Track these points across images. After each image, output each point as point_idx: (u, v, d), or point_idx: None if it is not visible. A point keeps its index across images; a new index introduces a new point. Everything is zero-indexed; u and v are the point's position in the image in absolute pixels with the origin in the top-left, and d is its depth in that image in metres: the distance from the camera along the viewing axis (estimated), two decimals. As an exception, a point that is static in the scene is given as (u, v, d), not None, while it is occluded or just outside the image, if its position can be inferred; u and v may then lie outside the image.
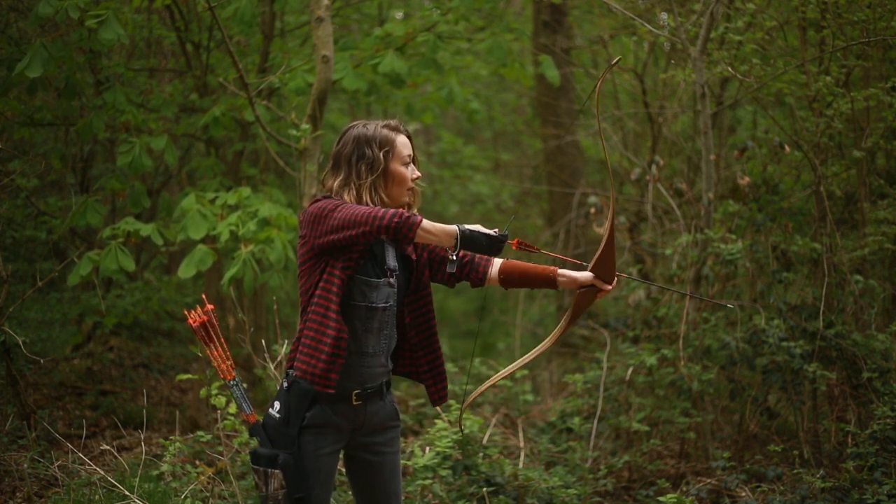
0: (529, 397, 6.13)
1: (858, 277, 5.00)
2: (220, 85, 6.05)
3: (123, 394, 6.60)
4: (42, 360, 5.58)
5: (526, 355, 3.13)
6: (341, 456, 2.99)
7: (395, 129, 2.91)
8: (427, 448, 4.53)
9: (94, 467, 4.46)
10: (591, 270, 2.97)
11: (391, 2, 8.42)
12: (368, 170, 2.84)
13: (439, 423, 4.57)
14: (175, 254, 7.70)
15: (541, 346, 3.12)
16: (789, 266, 5.31)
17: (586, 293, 3.00)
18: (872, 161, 5.70)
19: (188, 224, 5.04)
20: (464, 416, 4.59)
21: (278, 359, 4.51)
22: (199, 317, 2.94)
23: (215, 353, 2.96)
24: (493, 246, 2.77)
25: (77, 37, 5.06)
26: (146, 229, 5.09)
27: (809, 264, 5.30)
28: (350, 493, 4.21)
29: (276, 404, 2.85)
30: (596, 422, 5.29)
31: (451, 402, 4.84)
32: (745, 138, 6.29)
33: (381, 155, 2.85)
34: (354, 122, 2.95)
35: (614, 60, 2.99)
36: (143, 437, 4.92)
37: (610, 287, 2.98)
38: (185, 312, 2.98)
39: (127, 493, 4.14)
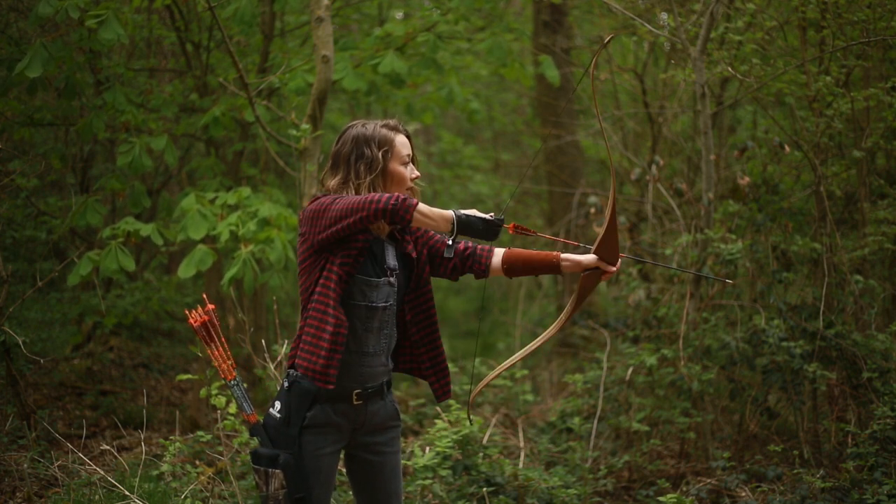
0: (529, 397, 6.13)
1: (858, 277, 5.00)
2: (220, 85, 6.05)
3: (123, 394, 6.60)
4: (42, 360, 5.58)
5: (533, 342, 3.12)
6: (342, 456, 2.99)
7: (394, 129, 2.91)
8: (427, 448, 4.52)
9: (94, 467, 4.46)
10: (594, 252, 2.96)
11: (391, 2, 8.42)
12: (367, 169, 2.84)
13: (439, 423, 4.57)
14: (175, 254, 7.70)
15: (548, 331, 3.11)
16: (789, 266, 5.31)
17: (591, 276, 2.98)
18: (872, 161, 5.70)
19: (188, 224, 5.04)
20: (464, 415, 4.59)
21: (278, 359, 4.51)
22: (200, 316, 2.94)
23: (216, 352, 2.96)
24: (489, 230, 2.77)
25: (77, 37, 5.07)
26: (146, 229, 5.09)
27: (809, 264, 5.30)
28: (350, 492, 4.21)
29: (277, 404, 2.85)
30: (596, 422, 5.29)
31: (452, 402, 4.84)
32: (745, 138, 6.29)
33: (380, 155, 2.85)
34: (353, 122, 2.95)
35: (607, 38, 2.97)
36: (143, 437, 4.92)
37: (614, 268, 2.97)
38: (186, 312, 2.98)
39: (127, 493, 4.14)
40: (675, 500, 4.19)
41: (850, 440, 4.68)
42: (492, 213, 2.81)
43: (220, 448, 4.72)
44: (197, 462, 4.83)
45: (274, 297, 4.99)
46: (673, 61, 6.40)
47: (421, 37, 5.88)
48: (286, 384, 2.85)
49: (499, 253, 3.03)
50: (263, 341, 5.23)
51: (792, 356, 4.77)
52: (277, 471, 2.77)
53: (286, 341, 4.58)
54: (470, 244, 3.03)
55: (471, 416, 3.38)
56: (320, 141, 4.93)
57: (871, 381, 4.73)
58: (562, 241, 3.09)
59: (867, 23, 4.89)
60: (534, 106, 9.62)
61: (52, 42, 4.93)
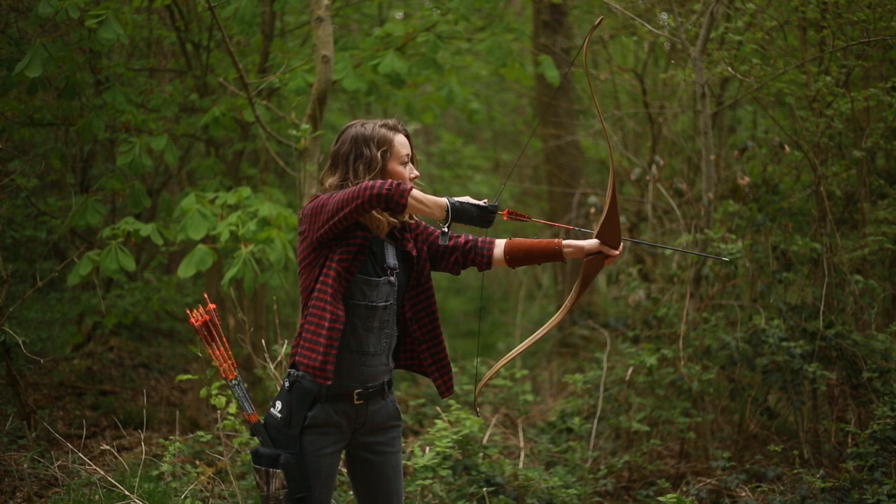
0: (529, 397, 6.13)
1: (858, 277, 5.00)
2: (220, 85, 6.05)
3: (123, 394, 6.60)
4: (42, 360, 5.59)
5: (540, 329, 3.11)
6: (343, 455, 2.99)
7: (394, 129, 2.91)
8: (427, 448, 4.52)
9: (94, 467, 4.46)
10: (596, 237, 2.95)
11: (391, 2, 8.42)
12: (366, 169, 2.84)
13: (439, 423, 4.57)
14: (175, 254, 7.70)
15: (554, 318, 3.10)
16: (789, 266, 5.31)
17: (594, 260, 2.97)
18: (872, 161, 5.70)
19: (188, 224, 5.04)
20: (464, 415, 4.59)
21: (278, 359, 4.51)
22: (201, 316, 2.95)
23: (217, 352, 2.96)
24: (483, 217, 2.77)
25: (77, 37, 5.06)
26: (146, 229, 5.09)
27: (809, 264, 5.30)
28: (350, 492, 4.21)
29: (278, 404, 2.85)
30: (596, 422, 5.29)
31: (452, 402, 4.84)
32: (745, 138, 6.29)
33: (379, 154, 2.85)
34: (353, 122, 2.95)
35: (598, 20, 2.95)
36: (143, 437, 4.92)
37: (617, 252, 2.96)
38: (188, 311, 2.98)
39: (127, 493, 4.14)
40: (675, 500, 4.18)
41: (850, 440, 4.68)
42: (485, 200, 2.81)
43: (220, 448, 4.72)
44: (197, 462, 4.83)
45: (274, 297, 5.00)
46: (673, 61, 6.40)
47: (421, 37, 5.88)
48: (287, 384, 2.85)
49: (500, 244, 3.02)
50: (263, 341, 5.24)
51: (792, 356, 4.77)
52: (278, 470, 2.77)
53: (286, 341, 4.58)
54: (470, 237, 3.03)
55: (476, 409, 3.37)
56: (320, 141, 4.93)
57: (871, 381, 4.73)
58: (557, 226, 3.08)
59: (867, 23, 4.89)
60: (534, 106, 9.63)
61: (52, 42, 4.93)
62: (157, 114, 6.02)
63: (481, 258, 3.01)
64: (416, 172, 2.95)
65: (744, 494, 4.52)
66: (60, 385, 6.47)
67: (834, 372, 4.89)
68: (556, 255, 2.98)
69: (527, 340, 3.11)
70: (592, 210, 6.15)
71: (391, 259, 2.92)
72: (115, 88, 5.47)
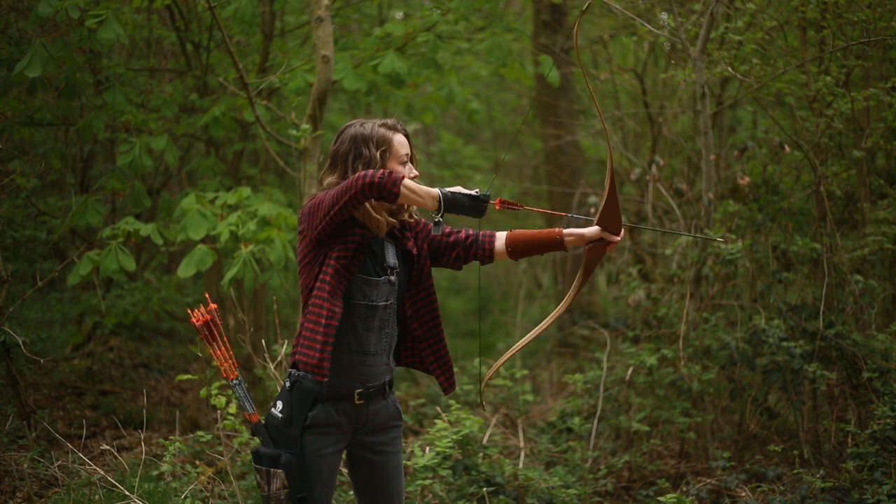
0: (529, 397, 6.13)
1: (858, 277, 5.00)
2: (220, 85, 6.05)
3: (123, 394, 6.60)
4: (42, 360, 5.59)
5: (546, 319, 3.11)
6: (344, 455, 2.99)
7: (393, 128, 2.90)
8: (427, 448, 4.52)
9: (94, 467, 4.46)
10: (597, 224, 2.94)
11: (391, 2, 8.42)
12: (365, 168, 2.84)
13: (439, 423, 4.57)
14: (175, 254, 7.70)
15: (559, 307, 3.09)
16: (789, 266, 5.31)
17: (596, 248, 2.97)
18: (872, 161, 5.70)
19: (188, 224, 5.04)
20: (464, 415, 4.59)
21: (278, 359, 4.51)
22: (203, 316, 2.95)
23: (218, 352, 2.96)
24: (476, 206, 2.77)
25: (77, 37, 5.06)
26: (146, 229, 5.09)
27: (809, 264, 5.30)
28: (350, 492, 4.21)
29: (279, 404, 2.85)
30: (596, 422, 5.29)
31: (452, 402, 4.84)
32: (745, 138, 6.29)
33: (378, 154, 2.85)
34: (352, 121, 2.95)
35: (586, 4, 2.94)
36: (143, 437, 4.92)
37: (618, 238, 2.96)
38: (189, 311, 2.98)
39: (127, 493, 4.14)
40: (675, 500, 4.18)
41: (850, 440, 4.68)
42: (477, 189, 2.81)
43: (220, 448, 4.72)
44: (197, 462, 4.83)
45: (274, 297, 5.00)
46: (673, 61, 6.40)
47: (421, 37, 5.88)
48: (288, 384, 2.85)
49: (501, 237, 3.01)
50: (263, 341, 5.24)
51: (792, 356, 4.77)
52: (279, 471, 2.77)
53: (286, 341, 4.59)
54: (471, 231, 3.03)
55: (482, 402, 3.37)
56: (320, 141, 4.92)
57: (871, 381, 4.73)
58: (548, 213, 3.07)
59: (867, 23, 4.89)
60: (534, 106, 9.63)
61: (52, 42, 4.93)
62: (157, 114, 6.02)
63: (483, 252, 3.01)
64: (415, 172, 2.94)
65: (744, 494, 4.52)
66: (60, 385, 6.47)
67: (834, 372, 4.89)
68: (557, 244, 2.97)
69: (535, 329, 3.10)
70: (592, 210, 6.15)
71: (391, 258, 2.92)
72: (115, 88, 5.47)
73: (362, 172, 2.66)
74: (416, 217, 3.01)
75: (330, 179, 2.88)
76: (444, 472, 4.32)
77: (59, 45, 4.98)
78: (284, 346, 4.52)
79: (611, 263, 6.69)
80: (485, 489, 4.35)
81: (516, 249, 3.00)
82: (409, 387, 7.36)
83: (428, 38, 5.83)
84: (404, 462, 4.32)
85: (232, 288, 4.97)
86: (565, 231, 2.97)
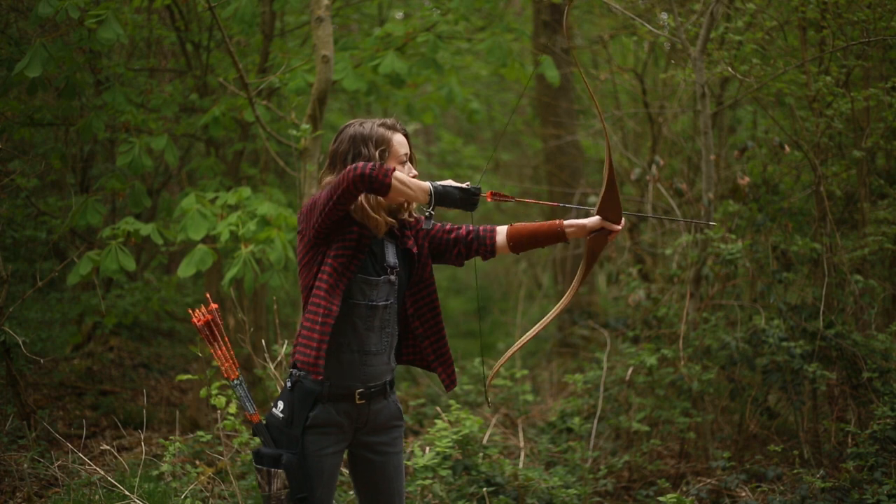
0: (529, 397, 6.13)
1: (858, 277, 5.00)
2: (220, 85, 6.05)
3: (123, 394, 6.60)
4: (42, 360, 5.58)
5: (551, 311, 3.11)
6: (345, 455, 2.99)
7: (392, 128, 2.90)
8: (427, 448, 4.52)
9: (94, 467, 4.46)
10: (597, 213, 2.94)
11: (391, 2, 8.42)
12: None
13: (439, 423, 4.57)
14: (175, 254, 7.70)
15: (564, 299, 3.09)
16: (789, 266, 5.31)
17: (597, 238, 2.96)
18: (872, 161, 5.70)
19: (188, 224, 5.04)
20: (464, 415, 4.59)
21: (278, 359, 4.51)
22: (204, 316, 2.95)
23: (219, 352, 2.96)
24: (467, 199, 2.77)
25: (77, 37, 5.06)
26: (146, 229, 5.09)
27: (809, 264, 5.30)
28: (350, 492, 4.21)
29: (280, 404, 2.85)
30: (596, 422, 5.29)
31: (452, 401, 4.84)
32: (745, 138, 6.29)
33: (377, 153, 2.85)
34: (351, 121, 2.95)
35: None
36: (143, 437, 4.92)
37: (619, 227, 2.95)
38: (190, 311, 2.98)
39: (127, 493, 4.14)
40: (675, 500, 4.18)
41: (850, 440, 4.68)
42: (468, 183, 2.80)
43: (220, 448, 4.72)
44: (197, 462, 4.83)
45: (274, 297, 5.00)
46: (673, 61, 6.40)
47: (421, 37, 5.88)
48: (289, 384, 2.85)
49: (502, 231, 3.01)
50: (263, 341, 5.24)
51: (792, 356, 4.77)
52: (280, 471, 2.77)
53: (286, 341, 4.58)
54: (471, 227, 3.02)
55: (487, 400, 3.36)
56: (320, 141, 4.92)
57: (871, 381, 4.73)
58: (540, 204, 3.07)
59: (867, 23, 4.89)
60: (534, 106, 9.63)
61: (52, 42, 4.93)
62: (157, 114, 6.02)
63: (485, 247, 3.01)
64: (414, 172, 2.94)
65: (744, 494, 4.52)
66: (60, 385, 6.47)
67: (834, 372, 4.89)
68: (558, 236, 2.96)
69: (541, 322, 3.10)
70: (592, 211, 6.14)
71: (391, 258, 2.91)
72: (115, 88, 5.47)
73: (353, 165, 2.66)
74: (415, 216, 3.01)
75: (329, 179, 2.88)
76: (444, 472, 4.32)
77: (59, 45, 4.98)
78: (284, 346, 4.52)
79: (611, 263, 6.69)
80: (485, 489, 4.35)
81: (518, 243, 2.99)
82: (409, 387, 7.36)
83: (428, 38, 5.83)
84: (404, 462, 4.32)
85: (232, 288, 4.97)
86: (566, 222, 2.97)
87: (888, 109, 5.06)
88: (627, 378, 5.32)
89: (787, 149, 5.39)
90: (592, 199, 6.26)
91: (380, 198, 2.81)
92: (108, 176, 5.72)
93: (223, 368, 2.97)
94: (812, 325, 4.96)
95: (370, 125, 2.89)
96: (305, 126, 4.76)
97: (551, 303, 9.06)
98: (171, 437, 4.49)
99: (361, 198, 2.79)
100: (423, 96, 7.34)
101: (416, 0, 8.46)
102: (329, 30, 4.89)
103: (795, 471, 4.51)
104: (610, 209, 2.91)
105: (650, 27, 5.51)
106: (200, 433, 4.59)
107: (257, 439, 2.90)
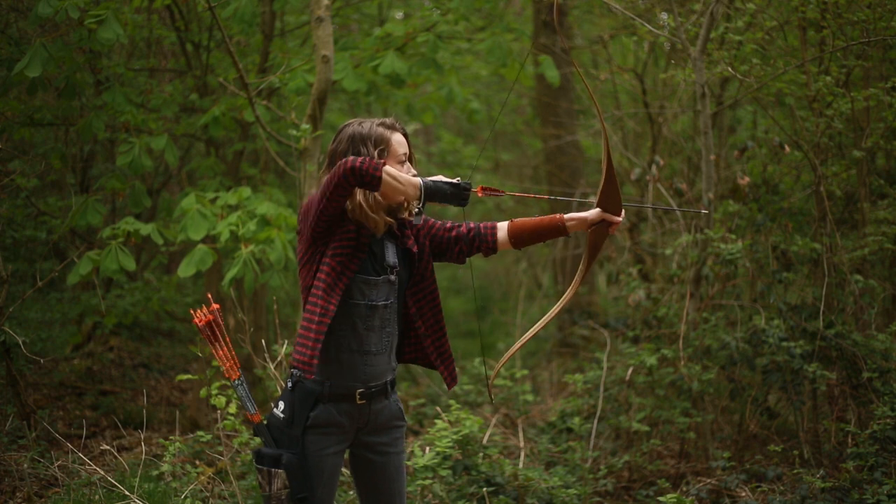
0: (529, 397, 6.13)
1: (858, 277, 5.00)
2: (220, 85, 6.05)
3: (123, 394, 6.61)
4: (42, 360, 5.59)
5: (554, 307, 3.10)
6: (346, 455, 2.99)
7: (391, 128, 2.90)
8: (427, 448, 4.53)
9: (94, 467, 4.46)
10: (597, 206, 2.93)
11: (391, 2, 8.42)
12: None
13: (439, 423, 4.57)
14: (175, 254, 7.70)
15: (567, 293, 3.09)
16: (789, 266, 5.31)
17: (598, 230, 2.96)
18: (872, 161, 5.70)
19: (188, 224, 5.04)
20: (464, 415, 4.59)
21: (278, 359, 4.51)
22: (205, 316, 2.95)
23: (221, 352, 2.96)
24: (457, 194, 2.77)
25: (77, 37, 5.06)
26: (146, 229, 5.09)
27: (809, 264, 5.30)
28: (350, 492, 4.21)
29: (281, 404, 2.85)
30: (596, 422, 5.29)
31: (452, 401, 4.84)
32: (745, 138, 6.29)
33: (376, 153, 2.84)
34: (350, 121, 2.94)
35: None
36: (143, 437, 4.92)
37: (620, 219, 2.95)
38: (191, 312, 2.98)
39: (127, 493, 4.14)
40: (675, 500, 4.18)
41: (850, 440, 4.68)
42: (458, 178, 2.80)
43: (220, 448, 4.72)
44: (197, 462, 4.83)
45: (274, 297, 5.00)
46: (673, 61, 6.40)
47: (421, 37, 5.88)
48: (290, 384, 2.85)
49: (503, 227, 3.00)
50: (263, 341, 5.24)
51: (792, 356, 4.77)
52: (280, 471, 2.77)
53: (286, 341, 4.59)
54: (472, 224, 3.02)
55: (491, 398, 3.36)
56: (320, 141, 4.92)
57: (871, 381, 4.73)
58: (532, 198, 3.07)
59: (867, 23, 4.89)
60: (534, 106, 9.63)
61: (52, 42, 4.93)
62: (157, 114, 6.02)
63: (486, 244, 3.00)
64: (413, 171, 2.94)
65: (744, 494, 4.52)
66: (60, 385, 6.47)
67: (834, 372, 4.89)
68: (559, 230, 2.96)
69: (547, 315, 3.09)
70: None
71: (391, 257, 2.91)
72: (115, 88, 5.47)
73: (344, 160, 2.65)
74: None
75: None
76: (444, 472, 4.32)
77: (59, 45, 4.98)
78: (284, 346, 4.52)
79: (611, 263, 6.69)
80: (485, 489, 4.35)
81: (519, 238, 2.99)
82: (409, 387, 7.36)
83: (428, 38, 5.83)
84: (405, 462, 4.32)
85: (232, 288, 4.97)
86: (567, 216, 2.96)
87: (888, 109, 5.06)
88: (627, 378, 5.32)
89: (787, 149, 5.39)
90: (593, 199, 6.25)
91: (378, 197, 2.80)
92: (108, 176, 5.72)
93: (224, 369, 2.97)
94: (812, 325, 4.96)
95: (369, 124, 2.89)
96: (305, 126, 4.76)
97: (551, 303, 9.05)
98: (171, 437, 4.49)
99: (360, 197, 2.79)
100: (423, 96, 7.34)
101: (416, 0, 8.46)
102: (329, 30, 4.89)
103: (795, 471, 4.51)
104: (610, 201, 2.91)
105: (650, 27, 5.51)
106: (200, 433, 4.59)
107: (258, 439, 2.90)
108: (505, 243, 3.00)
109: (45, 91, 5.55)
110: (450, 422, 4.61)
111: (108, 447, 4.73)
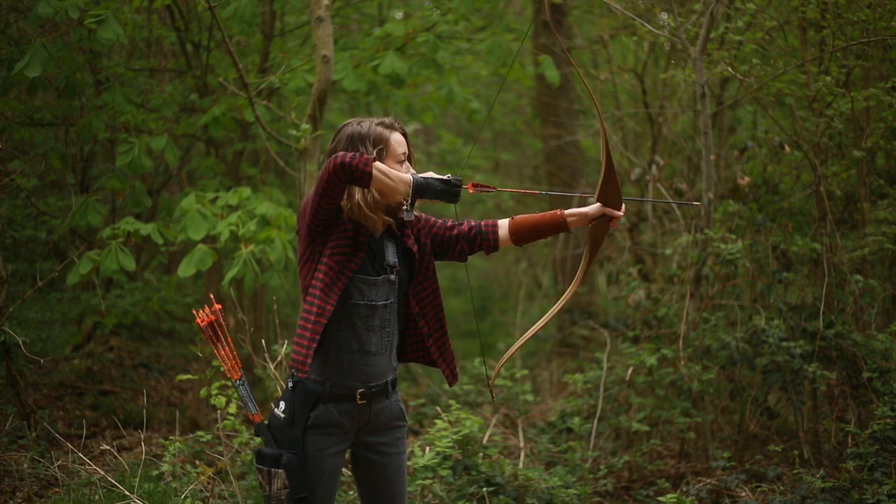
0: (529, 397, 6.13)
1: (858, 277, 5.00)
2: (220, 85, 6.05)
3: (123, 394, 6.61)
4: (42, 360, 5.59)
5: (555, 304, 3.10)
6: (347, 455, 2.99)
7: (390, 127, 2.90)
8: (427, 448, 4.53)
9: (94, 467, 4.46)
10: (597, 200, 2.93)
11: (391, 2, 8.42)
12: None
13: (439, 423, 4.57)
14: (175, 254, 7.70)
15: (569, 290, 3.09)
16: (789, 266, 5.31)
17: (599, 225, 2.95)
18: (872, 161, 5.70)
19: (188, 224, 5.04)
20: (464, 415, 4.59)
21: (278, 359, 4.51)
22: (207, 316, 2.95)
23: (222, 352, 2.96)
24: (448, 191, 2.76)
25: (77, 37, 5.06)
26: (146, 229, 5.09)
27: (809, 264, 5.31)
28: (350, 492, 4.22)
29: (282, 404, 2.86)
30: (596, 422, 5.29)
31: (452, 401, 4.84)
32: (745, 138, 6.29)
33: (375, 153, 2.84)
34: (349, 120, 2.94)
35: None
36: (143, 437, 4.93)
37: (621, 213, 2.94)
38: (193, 312, 2.98)
39: (127, 493, 4.14)
40: (675, 500, 4.18)
41: (850, 440, 4.68)
42: (449, 175, 2.80)
43: (220, 448, 4.72)
44: (197, 462, 4.83)
45: (274, 297, 5.00)
46: (673, 61, 6.40)
47: (421, 37, 5.88)
48: (290, 384, 2.85)
49: (503, 224, 3.00)
50: (263, 341, 5.24)
51: (792, 356, 4.77)
52: (280, 471, 2.77)
53: (286, 341, 4.59)
54: (473, 223, 3.02)
55: (493, 397, 3.35)
56: (320, 141, 4.92)
57: (871, 381, 4.73)
58: (523, 193, 3.07)
59: (867, 23, 4.89)
60: (534, 106, 9.63)
61: (52, 42, 4.93)
62: (157, 114, 6.02)
63: (488, 242, 3.00)
64: (412, 170, 2.94)
65: (744, 494, 4.52)
66: (60, 385, 6.47)
67: (834, 372, 4.89)
68: (560, 226, 2.95)
69: (551, 310, 3.09)
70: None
71: (391, 257, 2.91)
72: (115, 88, 5.47)
73: (334, 156, 2.65)
74: (415, 214, 3.01)
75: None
76: (444, 472, 4.32)
77: (59, 45, 4.98)
78: (284, 347, 4.52)
79: (611, 263, 6.69)
80: (485, 489, 4.35)
81: (520, 235, 2.98)
82: (409, 387, 7.36)
83: (428, 38, 5.83)
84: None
85: (232, 288, 4.97)
86: (567, 211, 2.96)
87: (888, 109, 5.06)
88: (627, 378, 5.32)
89: (787, 149, 5.39)
90: (592, 199, 6.25)
91: (377, 196, 2.80)
92: (108, 176, 5.72)
93: (226, 369, 2.97)
94: (812, 325, 4.96)
95: (368, 124, 2.89)
96: (305, 126, 4.76)
97: (551, 302, 9.05)
98: (171, 437, 4.49)
99: (358, 196, 2.79)
100: (423, 96, 7.34)
101: (416, 0, 8.46)
102: (329, 30, 4.89)
103: (795, 471, 4.51)
104: (609, 196, 2.91)
105: (650, 27, 5.51)
106: (200, 433, 4.59)
107: (258, 439, 2.90)
108: (506, 240, 3.00)
109: (45, 91, 5.55)
110: (450, 422, 4.61)
111: (108, 447, 4.73)
